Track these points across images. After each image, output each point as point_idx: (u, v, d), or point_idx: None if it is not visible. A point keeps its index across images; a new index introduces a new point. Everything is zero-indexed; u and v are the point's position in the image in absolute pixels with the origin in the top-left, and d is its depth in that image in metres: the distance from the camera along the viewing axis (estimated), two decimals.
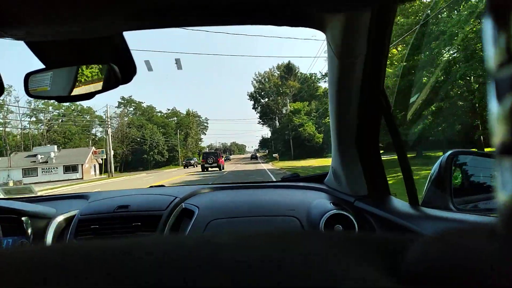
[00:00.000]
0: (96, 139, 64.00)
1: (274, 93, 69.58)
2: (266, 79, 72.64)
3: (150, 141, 61.05)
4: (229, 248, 0.26)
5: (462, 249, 0.23)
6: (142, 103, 72.66)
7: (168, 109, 75.93)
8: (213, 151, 36.83)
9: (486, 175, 1.12)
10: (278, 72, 70.64)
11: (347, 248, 0.27)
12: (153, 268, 0.23)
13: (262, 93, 72.89)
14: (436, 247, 0.25)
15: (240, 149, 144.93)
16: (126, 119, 67.78)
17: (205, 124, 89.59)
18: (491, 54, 0.21)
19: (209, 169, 27.26)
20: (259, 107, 74.80)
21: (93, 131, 64.83)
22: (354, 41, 1.02)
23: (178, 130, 71.05)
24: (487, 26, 0.21)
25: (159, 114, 73.83)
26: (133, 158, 61.06)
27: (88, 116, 63.13)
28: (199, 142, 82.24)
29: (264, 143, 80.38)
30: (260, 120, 74.80)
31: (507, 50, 0.20)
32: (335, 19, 0.97)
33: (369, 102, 1.16)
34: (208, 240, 0.29)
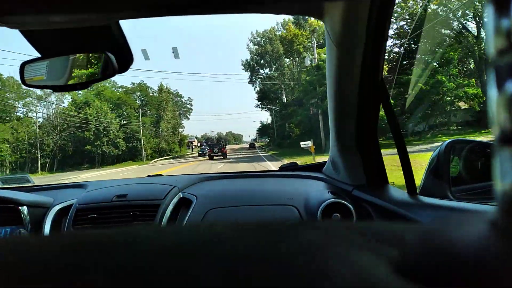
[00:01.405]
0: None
1: (279, 58, 51.39)
2: (267, 40, 52.96)
3: (96, 125, 40.83)
4: (226, 238, 0.26)
5: (460, 238, 0.23)
6: None
7: (133, 83, 52.26)
8: (217, 142, 42.84)
9: (484, 163, 1.13)
10: (282, 31, 49.81)
11: (344, 237, 0.27)
12: (149, 258, 0.23)
13: (262, 60, 54.27)
14: (433, 235, 0.25)
15: (236, 138, 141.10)
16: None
17: (187, 105, 67.78)
18: (491, 41, 0.21)
19: (214, 157, 31.57)
20: (257, 81, 56.08)
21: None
22: (353, 30, 1.01)
23: (145, 110, 51.07)
24: (488, 13, 0.21)
25: (119, 89, 50.14)
26: (75, 150, 41.44)
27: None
28: (179, 129, 59.90)
29: (263, 130, 65.39)
30: (259, 103, 56.59)
31: (507, 37, 0.20)
32: (334, 7, 0.96)
33: (368, 91, 1.16)
34: (205, 229, 0.29)
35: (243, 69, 56.04)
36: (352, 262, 0.23)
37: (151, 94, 53.94)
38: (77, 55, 0.89)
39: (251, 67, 55.26)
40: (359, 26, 1.00)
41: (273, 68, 54.21)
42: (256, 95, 57.01)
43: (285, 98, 44.14)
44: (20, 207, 1.51)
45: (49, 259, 0.23)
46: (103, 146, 41.79)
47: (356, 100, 1.19)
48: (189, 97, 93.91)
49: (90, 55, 0.88)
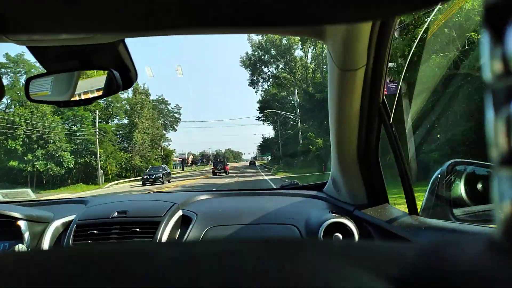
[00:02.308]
0: None
1: (289, 51, 41.83)
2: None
3: (27, 130, 28.44)
4: (227, 253, 0.26)
5: (458, 258, 0.23)
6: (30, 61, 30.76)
7: None
8: (221, 160, 44.44)
9: (486, 185, 1.12)
10: None
11: (344, 256, 0.27)
12: (149, 274, 0.23)
13: (266, 56, 43.81)
14: (432, 256, 0.25)
15: (236, 156, 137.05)
16: None
17: (175, 114, 56.67)
18: (488, 66, 0.21)
19: (217, 174, 35.02)
20: (259, 82, 46.21)
21: None
22: (354, 51, 1.03)
23: (109, 115, 39.85)
24: (484, 39, 0.21)
25: None
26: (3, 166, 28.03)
27: None
28: (162, 141, 49.19)
29: (265, 146, 59.01)
30: (260, 115, 48.27)
31: (503, 63, 0.20)
32: (336, 29, 0.98)
33: (369, 112, 1.16)
34: (206, 246, 0.29)
35: (241, 65, 47.33)
36: (349, 282, 0.23)
37: (121, 96, 40.16)
38: (82, 71, 0.90)
39: (252, 64, 45.66)
40: (360, 48, 1.01)
41: (280, 65, 44.19)
42: (258, 105, 49.05)
43: (297, 100, 35.14)
44: (19, 222, 1.50)
45: (48, 273, 0.24)
46: (37, 162, 28.29)
47: (358, 121, 1.20)
48: (176, 105, 79.68)
49: (95, 71, 0.90)
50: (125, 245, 0.28)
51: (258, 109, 50.63)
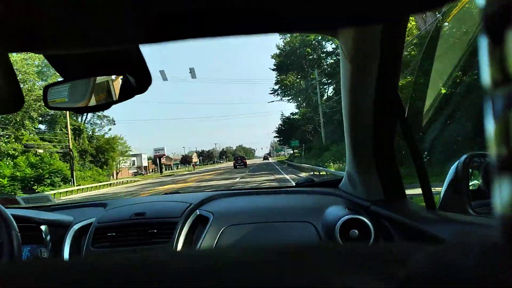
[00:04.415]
0: None
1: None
2: None
3: None
4: (240, 264, 0.26)
5: (471, 262, 0.22)
6: None
7: None
8: (241, 157, 48.63)
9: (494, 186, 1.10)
10: None
11: (363, 263, 0.27)
12: (165, 283, 0.23)
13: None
14: (441, 257, 0.25)
15: (248, 153, 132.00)
16: None
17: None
18: (487, 72, 0.21)
19: (237, 167, 41.73)
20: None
21: None
22: (367, 47, 1.02)
23: None
24: (483, 45, 0.21)
25: None
26: None
27: None
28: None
29: (288, 131, 42.28)
30: (278, 79, 39.54)
31: (502, 69, 0.20)
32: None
33: (383, 106, 1.16)
34: (220, 254, 0.29)
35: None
36: None
37: None
38: (97, 77, 0.92)
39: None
40: (373, 43, 1.01)
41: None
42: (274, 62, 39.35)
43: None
44: (41, 227, 1.54)
45: (67, 285, 0.24)
46: None
47: (372, 116, 1.19)
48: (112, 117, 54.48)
49: (110, 77, 0.91)
50: (136, 256, 0.28)
51: (274, 68, 40.37)
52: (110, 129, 52.16)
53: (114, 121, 44.70)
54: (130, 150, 53.38)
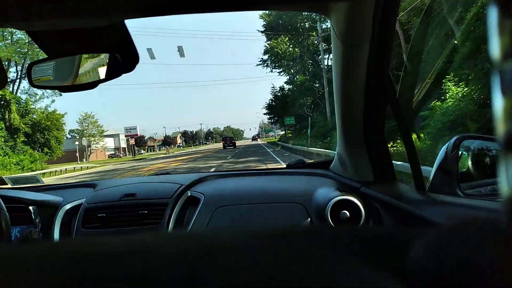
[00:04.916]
0: None
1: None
2: None
3: None
4: (231, 247, 0.26)
5: (467, 245, 0.22)
6: None
7: None
8: (230, 138, 50.52)
9: (493, 159, 1.11)
10: None
11: (352, 247, 0.27)
12: (156, 267, 0.23)
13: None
14: (440, 242, 0.24)
15: (236, 134, 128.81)
16: None
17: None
18: (496, 45, 0.20)
19: (226, 147, 43.70)
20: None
21: None
22: (359, 26, 1.01)
23: None
24: (492, 17, 0.20)
25: None
26: None
27: None
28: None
29: (280, 107, 36.77)
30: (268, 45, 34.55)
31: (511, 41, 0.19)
32: (340, 4, 0.96)
33: (374, 88, 1.15)
34: (211, 236, 0.29)
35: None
36: (358, 276, 0.22)
37: None
38: (84, 55, 0.90)
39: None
40: (365, 23, 0.99)
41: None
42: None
43: None
44: (30, 207, 1.52)
45: (57, 268, 0.24)
46: None
47: (363, 97, 1.18)
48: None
49: (97, 55, 0.89)
50: (128, 239, 0.28)
51: (263, 30, 33.90)
52: (53, 101, 46.69)
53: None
54: (104, 130, 49.54)
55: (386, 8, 0.96)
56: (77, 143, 44.23)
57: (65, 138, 36.49)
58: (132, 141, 52.71)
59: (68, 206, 1.59)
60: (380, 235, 0.29)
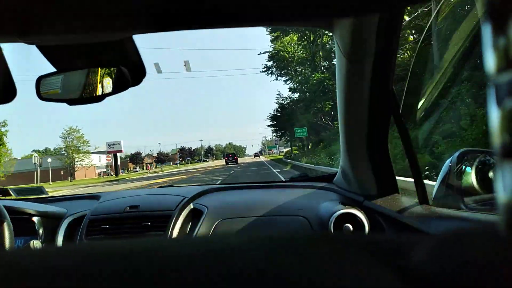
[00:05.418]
0: None
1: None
2: None
3: None
4: (237, 250, 0.27)
5: (470, 250, 0.23)
6: None
7: None
8: (232, 153, 57.07)
9: (497, 173, 1.11)
10: None
11: (355, 252, 0.27)
12: (160, 269, 0.23)
13: None
14: (443, 248, 0.25)
15: (238, 150, 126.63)
16: None
17: None
18: (490, 59, 0.21)
19: (229, 163, 46.02)
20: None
21: None
22: (362, 41, 1.02)
23: None
24: (486, 31, 0.21)
25: None
26: None
27: None
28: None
29: (286, 118, 32.40)
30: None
31: (505, 55, 0.20)
32: (344, 20, 0.97)
33: (378, 102, 1.16)
34: (217, 240, 0.29)
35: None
36: (363, 281, 0.23)
37: None
38: (91, 69, 0.91)
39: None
40: (369, 37, 1.00)
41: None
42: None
43: None
44: (34, 218, 1.53)
45: (60, 270, 0.24)
46: None
47: (367, 111, 1.19)
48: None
49: (104, 69, 0.91)
50: (133, 242, 0.28)
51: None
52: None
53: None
54: (89, 146, 44.68)
55: (390, 22, 0.98)
56: (36, 162, 34.79)
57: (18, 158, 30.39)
58: (108, 158, 46.56)
59: (71, 218, 1.60)
60: (382, 241, 0.30)
